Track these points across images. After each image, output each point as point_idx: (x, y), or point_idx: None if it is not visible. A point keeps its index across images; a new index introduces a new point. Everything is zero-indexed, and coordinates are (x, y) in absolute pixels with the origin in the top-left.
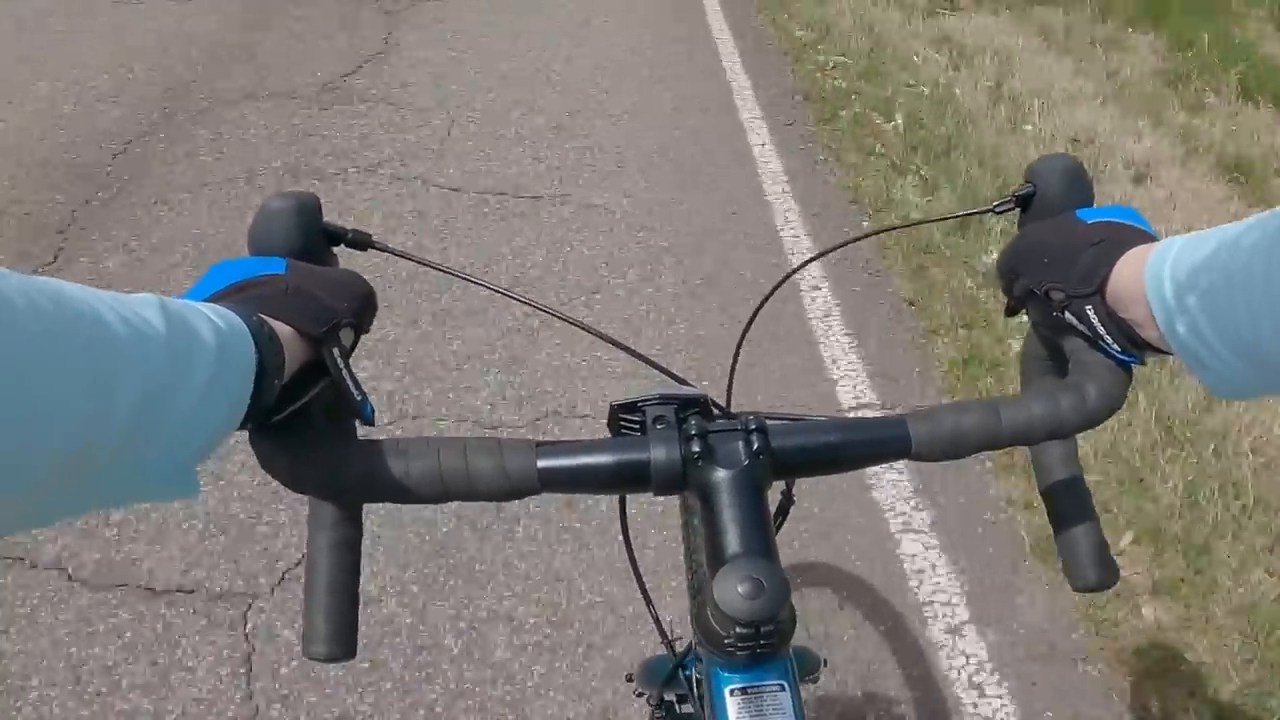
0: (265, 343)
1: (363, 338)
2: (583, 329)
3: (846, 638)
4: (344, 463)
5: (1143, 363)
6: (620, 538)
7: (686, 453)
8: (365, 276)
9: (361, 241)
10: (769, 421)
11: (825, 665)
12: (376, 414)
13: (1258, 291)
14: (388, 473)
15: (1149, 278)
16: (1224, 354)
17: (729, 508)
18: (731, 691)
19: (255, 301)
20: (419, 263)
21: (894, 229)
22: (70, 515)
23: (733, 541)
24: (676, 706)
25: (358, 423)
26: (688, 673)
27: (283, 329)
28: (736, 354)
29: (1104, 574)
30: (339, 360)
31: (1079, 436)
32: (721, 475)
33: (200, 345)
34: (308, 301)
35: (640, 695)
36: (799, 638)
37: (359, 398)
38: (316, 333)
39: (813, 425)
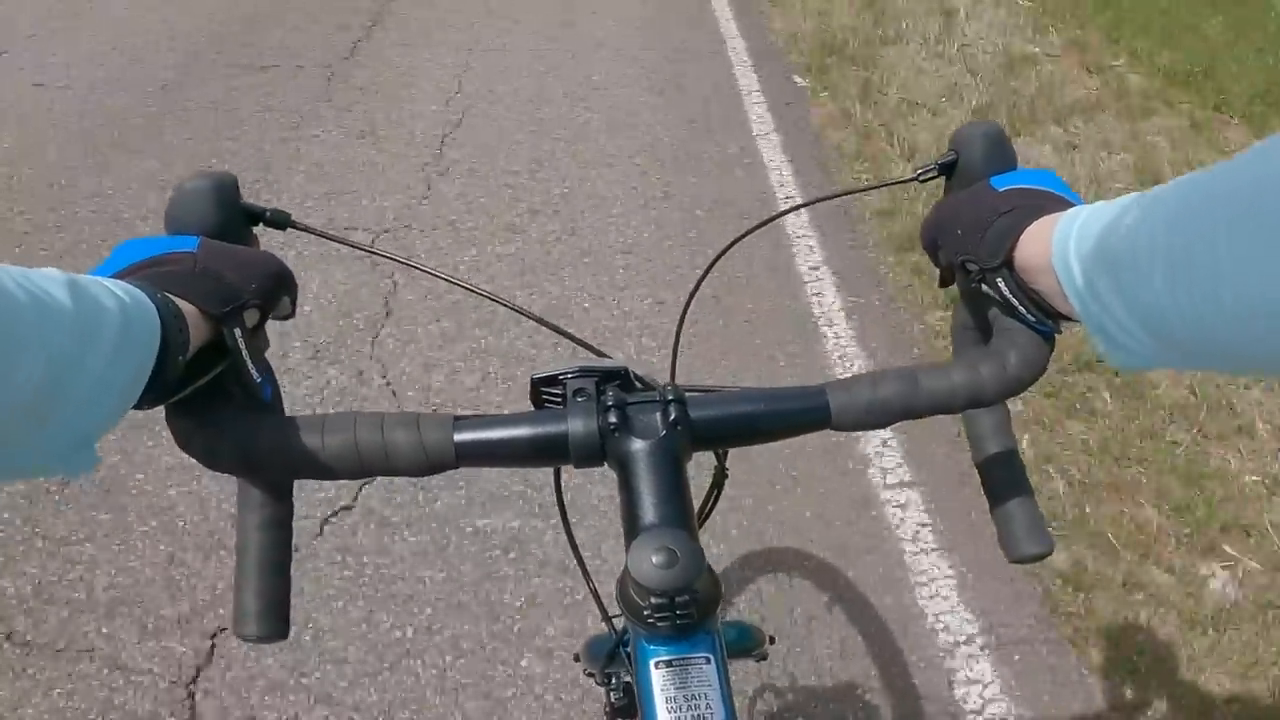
0: (170, 320)
1: None
2: (516, 310)
3: None
4: (258, 439)
5: (1059, 331)
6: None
7: (604, 425)
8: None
9: (280, 221)
10: (688, 393)
11: (772, 642)
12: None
13: (1165, 265)
14: (303, 448)
15: (1055, 248)
16: (1130, 326)
17: (645, 479)
18: (656, 664)
19: (162, 279)
20: (339, 242)
21: (823, 200)
22: None
23: (648, 512)
24: (632, 685)
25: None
26: (629, 650)
27: (187, 307)
28: (679, 330)
29: (1038, 545)
30: (240, 341)
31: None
32: (639, 446)
33: (105, 320)
34: (213, 281)
35: (590, 675)
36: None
37: (258, 379)
38: (218, 312)
39: (732, 396)
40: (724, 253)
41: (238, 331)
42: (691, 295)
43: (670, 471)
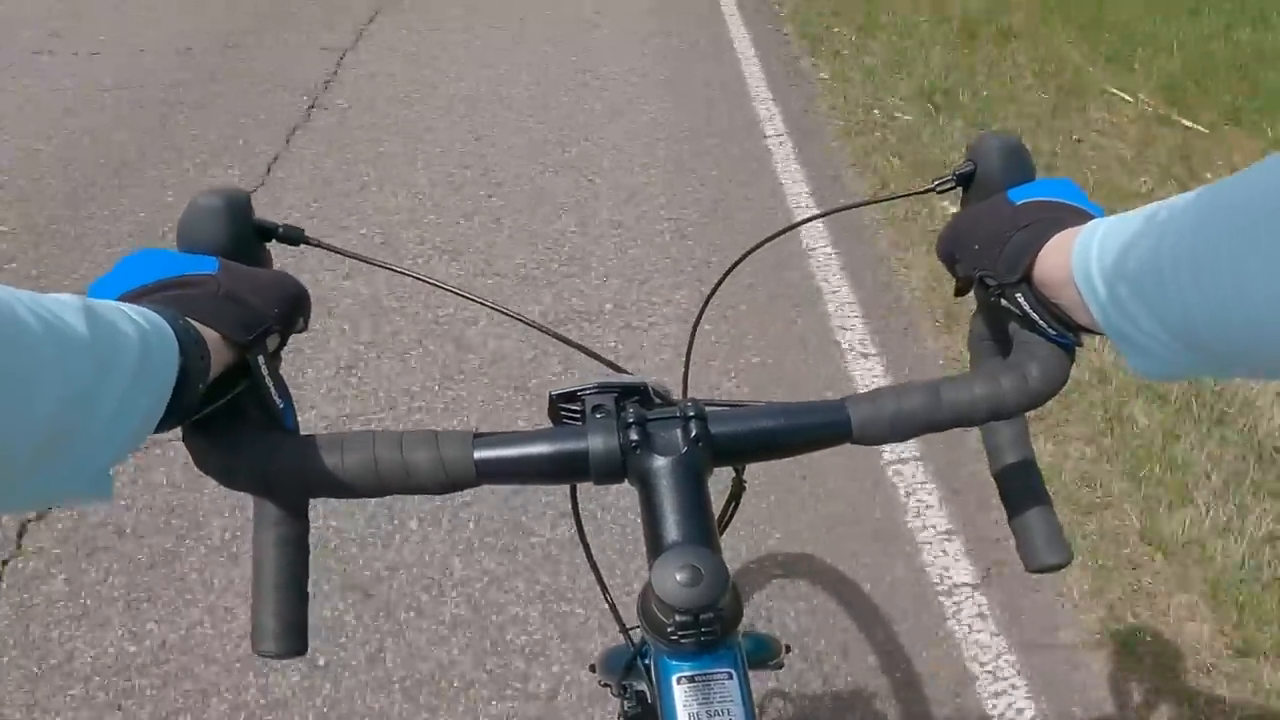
0: (190, 348)
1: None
2: (525, 322)
3: None
4: (276, 458)
5: (1079, 344)
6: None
7: (624, 441)
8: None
9: (293, 237)
10: (708, 408)
11: (788, 652)
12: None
13: (1190, 270)
14: (322, 467)
15: (1075, 262)
16: (1155, 333)
17: (668, 495)
18: (679, 679)
19: (183, 303)
20: (351, 257)
21: (840, 210)
22: None
23: (671, 529)
24: (646, 695)
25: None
26: (646, 661)
27: (209, 333)
28: (690, 343)
29: (1057, 555)
30: (263, 368)
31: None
32: (660, 463)
33: (124, 349)
34: (237, 307)
35: (605, 686)
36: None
37: (281, 405)
38: (244, 340)
39: (752, 411)
40: (737, 264)
41: (260, 358)
42: (702, 309)
43: (692, 488)
